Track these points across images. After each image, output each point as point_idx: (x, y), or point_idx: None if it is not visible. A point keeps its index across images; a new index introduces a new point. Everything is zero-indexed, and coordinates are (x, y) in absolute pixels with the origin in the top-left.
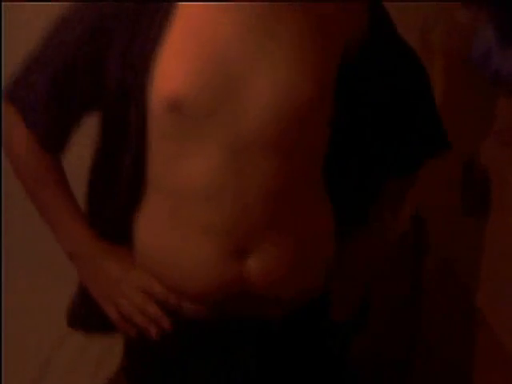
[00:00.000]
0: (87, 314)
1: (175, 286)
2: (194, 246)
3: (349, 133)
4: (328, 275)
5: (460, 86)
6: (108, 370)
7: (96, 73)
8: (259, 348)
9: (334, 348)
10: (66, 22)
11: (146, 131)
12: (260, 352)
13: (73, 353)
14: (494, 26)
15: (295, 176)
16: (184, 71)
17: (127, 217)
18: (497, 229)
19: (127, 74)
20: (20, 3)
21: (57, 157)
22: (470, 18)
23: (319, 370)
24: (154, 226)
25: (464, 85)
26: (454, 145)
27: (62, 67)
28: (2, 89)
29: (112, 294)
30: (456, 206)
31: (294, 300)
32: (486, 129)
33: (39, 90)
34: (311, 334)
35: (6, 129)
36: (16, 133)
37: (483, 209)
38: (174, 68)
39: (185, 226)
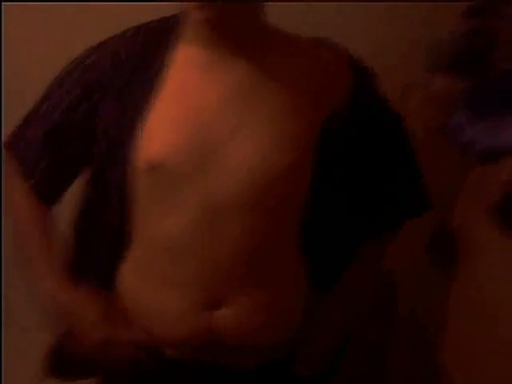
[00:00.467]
0: (64, 363)
1: (149, 330)
2: (166, 297)
3: (330, 194)
4: (301, 329)
5: (434, 153)
6: None
7: (87, 131)
8: None
9: None
10: (64, 81)
11: (130, 188)
12: None
13: None
14: (465, 101)
15: (268, 235)
16: (166, 135)
17: (111, 265)
18: (462, 282)
19: (115, 133)
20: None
21: (48, 208)
22: (445, 88)
23: None
24: (133, 275)
25: (438, 151)
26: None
27: (56, 123)
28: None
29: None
30: (423, 257)
31: (265, 351)
32: (457, 192)
33: (34, 143)
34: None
35: (6, 175)
36: (13, 180)
37: (450, 262)
38: (157, 131)
39: (159, 278)
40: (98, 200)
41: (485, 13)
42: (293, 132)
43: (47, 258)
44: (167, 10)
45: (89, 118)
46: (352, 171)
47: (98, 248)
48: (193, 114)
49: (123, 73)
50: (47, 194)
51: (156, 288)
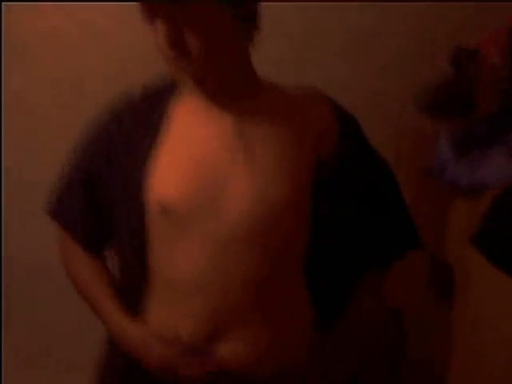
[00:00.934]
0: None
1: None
2: (181, 328)
3: (328, 231)
4: (304, 362)
5: (425, 190)
6: None
7: (110, 185)
8: None
9: None
10: (83, 148)
11: (146, 231)
12: None
13: None
14: (450, 142)
15: (274, 269)
16: (174, 181)
17: (139, 301)
18: (460, 310)
19: (130, 184)
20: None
21: (99, 255)
22: (433, 130)
23: None
24: (156, 310)
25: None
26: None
27: (83, 182)
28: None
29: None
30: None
31: (268, 382)
32: (448, 226)
33: (71, 206)
34: None
35: (61, 243)
36: (65, 243)
37: (448, 295)
38: (165, 177)
39: (176, 311)
40: (125, 245)
41: (465, 60)
42: (287, 172)
43: (108, 300)
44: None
45: (109, 181)
46: (344, 212)
47: (128, 287)
48: (196, 161)
49: (130, 130)
50: (93, 243)
51: (174, 320)
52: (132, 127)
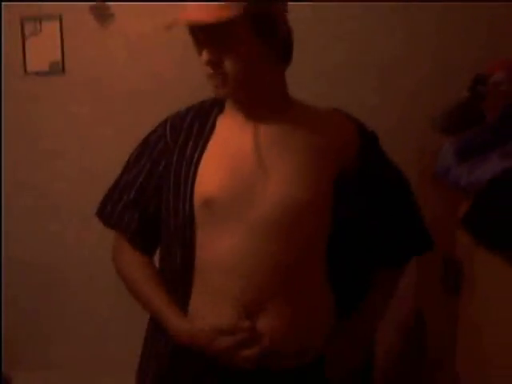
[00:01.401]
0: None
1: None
2: (220, 310)
3: (347, 229)
4: (326, 341)
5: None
6: None
7: (160, 191)
8: None
9: None
10: (138, 157)
11: (194, 220)
12: None
13: None
14: (453, 149)
15: (300, 254)
16: (215, 178)
17: (185, 291)
18: (467, 306)
19: (178, 179)
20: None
21: (149, 256)
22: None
23: None
24: (198, 296)
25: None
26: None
27: (138, 191)
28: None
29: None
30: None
31: (294, 355)
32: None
33: (124, 210)
34: None
35: (114, 245)
36: (119, 247)
37: (457, 289)
38: (208, 176)
39: (216, 295)
40: (170, 238)
41: (477, 82)
42: (311, 177)
43: (159, 296)
44: None
45: (159, 182)
46: (362, 215)
47: (175, 277)
48: (234, 162)
49: (181, 138)
50: (144, 245)
51: (213, 304)
52: (183, 134)
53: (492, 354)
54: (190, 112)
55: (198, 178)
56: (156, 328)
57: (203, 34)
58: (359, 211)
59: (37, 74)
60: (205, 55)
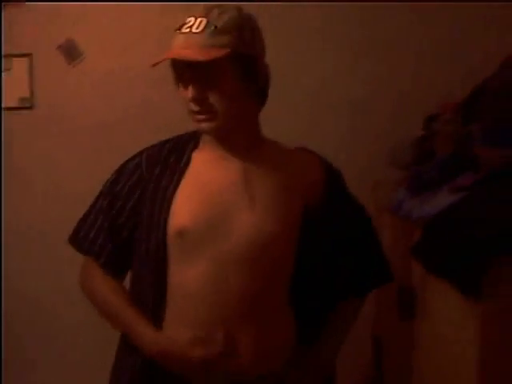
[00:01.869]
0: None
1: None
2: (190, 335)
3: (311, 260)
4: (287, 366)
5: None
6: None
7: (135, 217)
8: None
9: None
10: (113, 182)
11: (163, 250)
12: None
13: None
14: (406, 183)
15: (265, 284)
16: (188, 210)
17: (158, 312)
18: (423, 332)
19: (153, 209)
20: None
21: (120, 278)
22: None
23: None
24: (170, 319)
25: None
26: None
27: (113, 217)
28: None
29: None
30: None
31: (256, 380)
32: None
33: (97, 235)
34: None
35: (82, 268)
36: (90, 271)
37: (412, 315)
38: (183, 207)
39: (185, 320)
40: (141, 264)
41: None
42: (280, 211)
43: (131, 312)
44: None
45: (135, 209)
46: (326, 247)
47: (147, 301)
48: (207, 197)
49: (157, 169)
50: (116, 270)
51: (184, 326)
52: (160, 166)
53: (443, 375)
54: (167, 145)
55: (172, 209)
56: (126, 344)
57: (190, 72)
58: (324, 244)
59: (6, 109)
60: (191, 92)
